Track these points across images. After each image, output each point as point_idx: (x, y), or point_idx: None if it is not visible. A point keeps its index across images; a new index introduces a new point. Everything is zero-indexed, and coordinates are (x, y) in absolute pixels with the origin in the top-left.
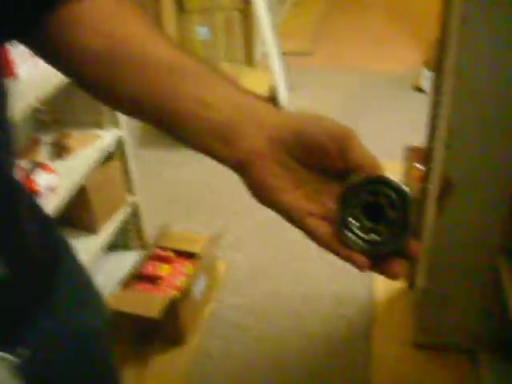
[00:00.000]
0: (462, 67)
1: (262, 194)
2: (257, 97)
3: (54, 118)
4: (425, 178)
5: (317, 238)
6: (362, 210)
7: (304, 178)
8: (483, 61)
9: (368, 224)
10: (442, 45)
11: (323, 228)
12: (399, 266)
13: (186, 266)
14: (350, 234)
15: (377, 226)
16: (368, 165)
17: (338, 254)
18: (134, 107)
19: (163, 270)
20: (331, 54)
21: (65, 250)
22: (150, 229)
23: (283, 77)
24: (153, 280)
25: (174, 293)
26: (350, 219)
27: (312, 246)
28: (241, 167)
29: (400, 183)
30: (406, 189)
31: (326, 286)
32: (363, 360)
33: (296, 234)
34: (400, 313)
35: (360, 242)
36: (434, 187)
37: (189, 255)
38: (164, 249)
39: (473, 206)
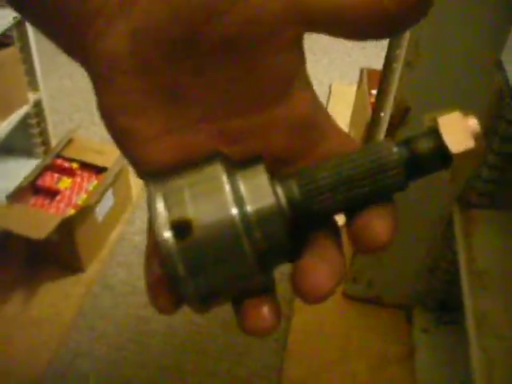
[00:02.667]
0: None
1: (115, 137)
2: None
3: None
4: (378, 103)
5: None
6: None
7: (180, 113)
8: None
9: None
10: None
11: None
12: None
13: (93, 182)
14: None
15: None
16: None
17: None
18: None
19: (63, 183)
20: None
21: None
22: (60, 133)
23: None
24: (49, 194)
25: (71, 211)
26: None
27: None
28: (89, 74)
29: None
30: None
31: None
32: (285, 307)
33: None
34: None
35: None
36: (387, 114)
37: (98, 169)
38: (68, 159)
39: None
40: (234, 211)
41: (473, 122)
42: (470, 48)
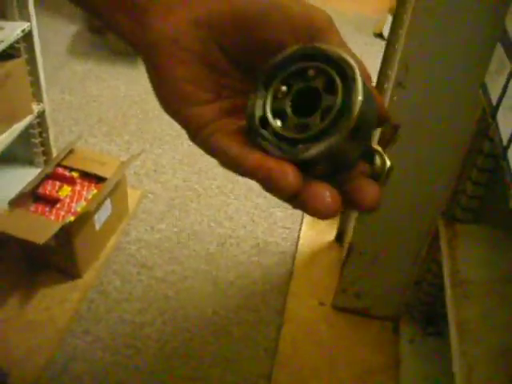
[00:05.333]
0: None
1: (166, 99)
2: None
3: None
4: None
5: (223, 157)
6: (288, 101)
7: (231, 86)
8: None
9: (296, 120)
10: None
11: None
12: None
13: (92, 191)
14: (265, 136)
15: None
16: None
17: (245, 172)
18: None
19: (63, 191)
20: None
21: None
22: (60, 144)
23: None
24: (50, 202)
25: (70, 218)
26: (270, 116)
27: (240, 184)
28: (147, 52)
29: (345, 56)
30: (353, 63)
31: (248, 230)
32: (276, 316)
33: (225, 169)
34: (323, 269)
35: (280, 147)
36: (378, 131)
37: (98, 179)
38: (68, 168)
39: (419, 154)
40: None
41: None
42: (457, 70)
